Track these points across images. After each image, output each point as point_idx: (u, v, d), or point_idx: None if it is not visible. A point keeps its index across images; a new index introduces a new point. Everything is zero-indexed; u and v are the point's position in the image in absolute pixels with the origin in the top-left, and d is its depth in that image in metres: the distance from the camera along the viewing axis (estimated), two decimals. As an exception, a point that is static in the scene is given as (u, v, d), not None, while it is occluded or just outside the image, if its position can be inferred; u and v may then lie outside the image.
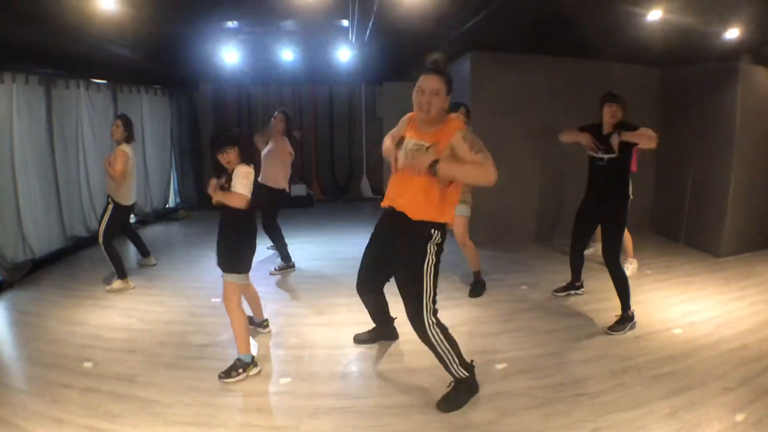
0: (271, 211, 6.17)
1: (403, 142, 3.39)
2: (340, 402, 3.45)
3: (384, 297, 4.00)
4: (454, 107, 5.29)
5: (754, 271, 6.28)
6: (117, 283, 5.53)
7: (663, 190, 7.85)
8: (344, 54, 8.02)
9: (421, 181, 3.18)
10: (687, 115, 7.33)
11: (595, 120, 4.85)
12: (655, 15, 5.14)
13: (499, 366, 3.92)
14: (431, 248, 3.31)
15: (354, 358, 4.06)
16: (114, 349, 4.13)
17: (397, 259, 3.45)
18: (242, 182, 3.72)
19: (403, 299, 3.39)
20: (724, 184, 6.73)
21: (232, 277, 3.79)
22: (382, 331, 4.27)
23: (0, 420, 3.18)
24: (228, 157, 3.74)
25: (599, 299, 5.23)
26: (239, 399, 3.47)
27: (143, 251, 6.44)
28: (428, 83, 3.21)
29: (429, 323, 3.30)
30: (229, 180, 3.76)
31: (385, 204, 3.49)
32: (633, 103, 7.30)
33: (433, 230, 3.29)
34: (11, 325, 4.83)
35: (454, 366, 3.37)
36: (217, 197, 3.76)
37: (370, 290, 3.89)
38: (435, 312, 3.35)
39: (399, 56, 8.52)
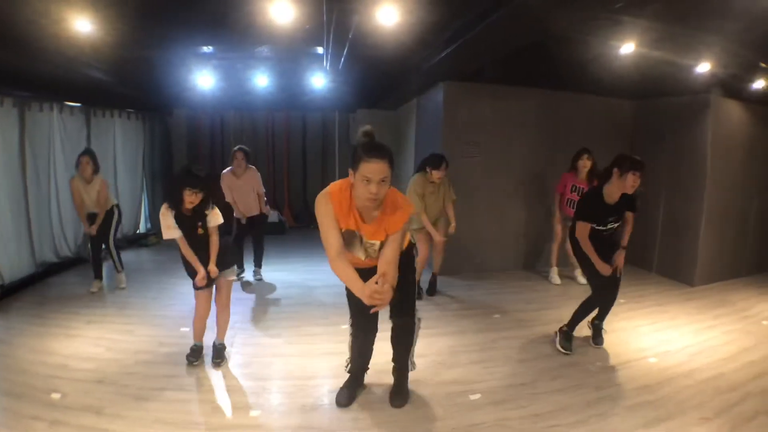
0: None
1: (355, 235, 3.18)
2: (311, 435, 3.39)
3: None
4: (435, 162, 5.57)
5: (727, 299, 6.40)
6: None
7: (635, 220, 7.86)
8: (318, 81, 8.04)
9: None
10: (659, 147, 7.46)
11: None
12: (627, 48, 5.23)
13: (473, 397, 3.90)
14: (413, 259, 3.65)
15: (326, 390, 3.98)
16: (82, 380, 4.03)
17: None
18: (215, 213, 4.15)
19: (399, 309, 3.54)
20: (697, 213, 6.86)
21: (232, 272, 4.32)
22: (360, 381, 3.99)
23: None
24: (193, 197, 3.94)
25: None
26: (207, 432, 3.40)
27: (97, 273, 6.45)
28: (376, 172, 2.85)
29: (417, 317, 3.69)
30: (204, 221, 4.12)
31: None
32: (606, 134, 7.51)
33: (411, 251, 3.59)
34: None
35: (412, 357, 3.80)
36: (215, 260, 4.17)
37: (374, 328, 3.76)
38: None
39: (373, 85, 8.58)
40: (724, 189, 6.96)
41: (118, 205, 6.48)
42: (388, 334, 3.76)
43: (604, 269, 4.53)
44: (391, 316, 3.64)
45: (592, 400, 3.86)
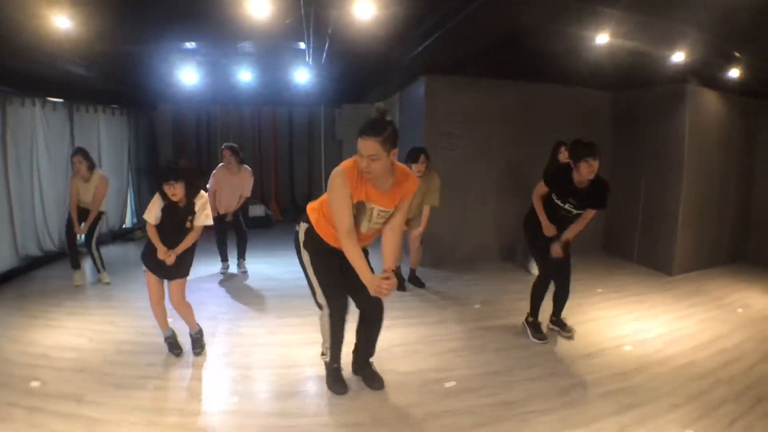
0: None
1: (365, 207, 3.34)
2: (285, 421, 3.45)
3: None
4: (413, 155, 5.63)
5: (704, 288, 6.51)
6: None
7: (615, 210, 7.93)
8: (302, 76, 8.09)
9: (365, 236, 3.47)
10: (638, 137, 7.56)
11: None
12: (602, 39, 5.27)
13: (448, 384, 3.95)
14: None
15: (304, 378, 4.05)
16: (62, 369, 4.09)
17: None
18: (206, 214, 4.19)
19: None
20: (675, 203, 6.94)
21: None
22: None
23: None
24: (174, 189, 4.01)
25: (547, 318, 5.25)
26: (186, 418, 3.45)
27: (75, 263, 6.45)
28: (365, 148, 3.12)
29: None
30: (192, 214, 4.18)
31: (338, 246, 3.43)
32: (585, 125, 7.56)
33: None
34: None
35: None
36: (179, 252, 4.17)
37: (347, 307, 3.75)
38: None
39: (357, 79, 8.65)
40: (702, 179, 7.04)
41: (105, 213, 6.64)
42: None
43: (549, 230, 4.62)
44: (360, 305, 3.72)
45: (565, 388, 3.90)
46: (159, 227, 4.16)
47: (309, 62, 7.16)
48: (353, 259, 3.27)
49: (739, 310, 5.76)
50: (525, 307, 5.25)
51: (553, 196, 4.60)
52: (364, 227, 3.42)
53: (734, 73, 6.34)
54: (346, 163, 3.29)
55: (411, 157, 5.77)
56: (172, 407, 3.58)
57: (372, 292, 3.21)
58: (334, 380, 3.84)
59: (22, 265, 6.81)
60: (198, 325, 4.51)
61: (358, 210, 3.32)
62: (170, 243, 4.16)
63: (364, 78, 8.41)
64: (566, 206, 4.55)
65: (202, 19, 5.28)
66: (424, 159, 5.78)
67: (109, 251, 6.92)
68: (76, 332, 4.88)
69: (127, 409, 3.52)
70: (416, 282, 6.39)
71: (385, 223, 3.48)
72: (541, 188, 4.65)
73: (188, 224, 4.19)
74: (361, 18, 4.69)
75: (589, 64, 6.03)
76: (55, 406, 3.53)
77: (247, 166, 6.80)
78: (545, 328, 4.99)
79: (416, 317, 5.38)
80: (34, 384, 3.82)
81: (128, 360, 4.30)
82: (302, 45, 6.37)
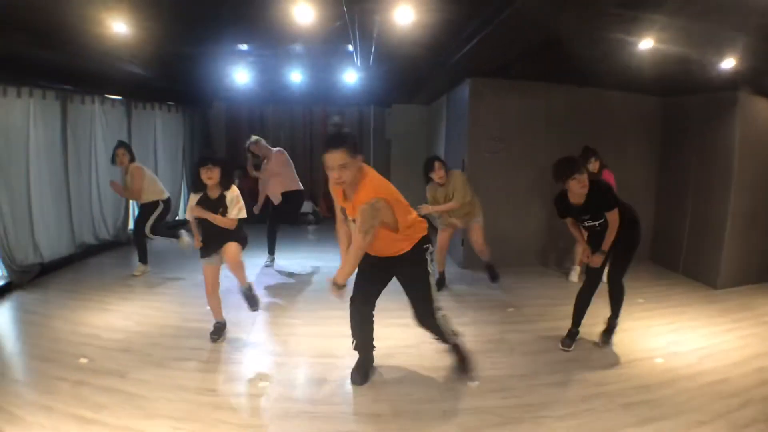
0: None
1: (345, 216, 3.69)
2: (311, 407, 3.62)
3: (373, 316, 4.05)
4: (428, 165, 5.92)
5: (751, 304, 6.18)
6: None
7: (663, 219, 7.90)
8: (351, 77, 8.27)
9: (380, 237, 3.52)
10: (687, 145, 7.37)
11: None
12: (646, 44, 5.21)
13: (472, 384, 4.00)
14: (429, 259, 3.75)
15: (334, 367, 4.20)
16: (109, 348, 4.40)
17: (404, 281, 3.80)
18: (240, 207, 4.48)
19: (415, 305, 3.79)
20: (723, 214, 6.71)
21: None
22: (370, 359, 4.17)
23: (-5, 406, 3.44)
24: (210, 173, 4.33)
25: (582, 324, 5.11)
26: (218, 398, 3.68)
27: (142, 256, 6.77)
28: (331, 161, 3.29)
29: (437, 317, 3.82)
30: (224, 207, 4.44)
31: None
32: (634, 131, 7.40)
33: (423, 246, 3.70)
34: (16, 322, 5.19)
35: (449, 334, 3.94)
36: (216, 221, 4.44)
37: (366, 301, 3.94)
38: (439, 307, 3.84)
39: (404, 80, 8.77)
40: (753, 190, 6.79)
41: (166, 201, 6.77)
42: (394, 320, 4.29)
43: (584, 252, 4.65)
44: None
45: (588, 396, 3.87)
46: (199, 223, 4.51)
47: (357, 64, 7.34)
48: (349, 263, 3.56)
49: (785, 328, 5.47)
50: (558, 312, 5.31)
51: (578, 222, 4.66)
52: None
53: (788, 80, 6.09)
54: (380, 188, 3.47)
55: (427, 168, 5.89)
56: (207, 387, 3.82)
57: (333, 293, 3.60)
58: (355, 369, 4.03)
59: (78, 252, 7.24)
60: (248, 281, 4.83)
61: (343, 214, 3.68)
62: (211, 236, 4.50)
63: (412, 80, 8.53)
64: (586, 224, 4.55)
65: (253, 22, 5.52)
66: (440, 165, 5.85)
67: (164, 241, 7.27)
68: (124, 315, 5.21)
69: (166, 387, 3.77)
70: (493, 274, 6.50)
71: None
72: (570, 221, 4.73)
73: (220, 214, 4.46)
74: (402, 23, 4.84)
75: (635, 68, 5.93)
76: (99, 381, 3.81)
77: (277, 149, 7.11)
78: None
79: (447, 311, 5.42)
80: (83, 360, 4.13)
81: (170, 343, 4.58)
82: (350, 47, 6.55)
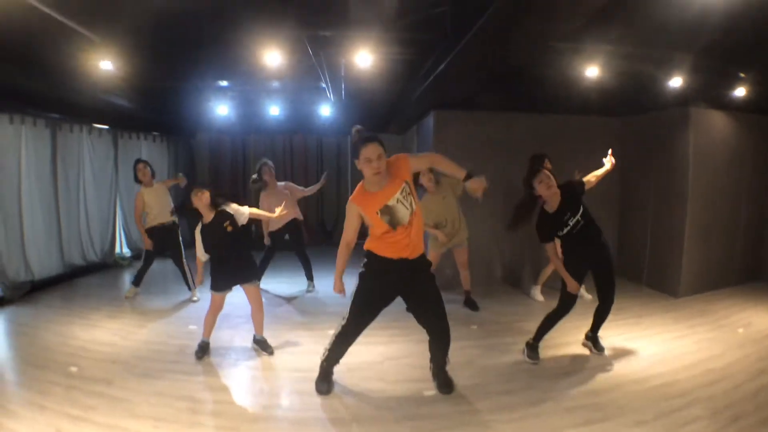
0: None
1: (391, 208, 3.77)
2: (282, 413, 3.99)
3: None
4: (415, 177, 6.01)
5: (708, 309, 6.46)
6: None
7: (626, 234, 8.14)
8: (326, 110, 8.74)
9: (417, 229, 3.86)
10: (646, 161, 7.59)
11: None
12: (592, 72, 5.60)
13: (427, 393, 4.24)
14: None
15: (304, 379, 4.44)
16: (97, 359, 4.82)
17: (424, 291, 4.08)
18: (242, 212, 4.85)
19: (440, 314, 4.11)
20: (680, 225, 7.00)
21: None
22: (331, 373, 4.43)
23: (-8, 403, 3.91)
24: (201, 194, 4.69)
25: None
26: (196, 404, 4.05)
27: (138, 281, 7.03)
28: (372, 151, 3.63)
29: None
30: (232, 221, 4.78)
31: (396, 257, 3.90)
32: (595, 152, 7.32)
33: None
34: (9, 334, 5.65)
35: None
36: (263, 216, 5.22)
37: (367, 324, 4.18)
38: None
39: (376, 112, 9.34)
40: (709, 199, 7.09)
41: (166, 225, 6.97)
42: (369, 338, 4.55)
43: (573, 286, 4.65)
44: (424, 325, 4.23)
45: (536, 401, 4.08)
46: (216, 254, 4.82)
47: (330, 98, 7.82)
48: (338, 260, 4.06)
49: (740, 330, 5.71)
50: (520, 328, 5.58)
51: (559, 234, 4.68)
52: (407, 217, 3.80)
53: (740, 92, 6.47)
54: (353, 195, 3.87)
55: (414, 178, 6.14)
56: (186, 395, 4.19)
57: (334, 290, 4.12)
58: (321, 379, 4.31)
59: (67, 272, 7.68)
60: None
61: (391, 215, 3.78)
62: (232, 257, 4.85)
63: (382, 112, 9.06)
64: (569, 223, 4.59)
65: (229, 63, 6.00)
66: (426, 171, 6.05)
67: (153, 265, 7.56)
68: (111, 331, 5.62)
69: (148, 393, 4.18)
70: (471, 305, 6.63)
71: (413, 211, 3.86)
72: (550, 249, 4.72)
73: (228, 227, 4.76)
74: (362, 66, 5.36)
75: (591, 93, 6.26)
76: (88, 386, 4.24)
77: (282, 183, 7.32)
78: (580, 345, 5.21)
79: (414, 334, 5.25)
80: (72, 369, 4.56)
81: (155, 356, 4.97)
82: (323, 84, 7.02)
